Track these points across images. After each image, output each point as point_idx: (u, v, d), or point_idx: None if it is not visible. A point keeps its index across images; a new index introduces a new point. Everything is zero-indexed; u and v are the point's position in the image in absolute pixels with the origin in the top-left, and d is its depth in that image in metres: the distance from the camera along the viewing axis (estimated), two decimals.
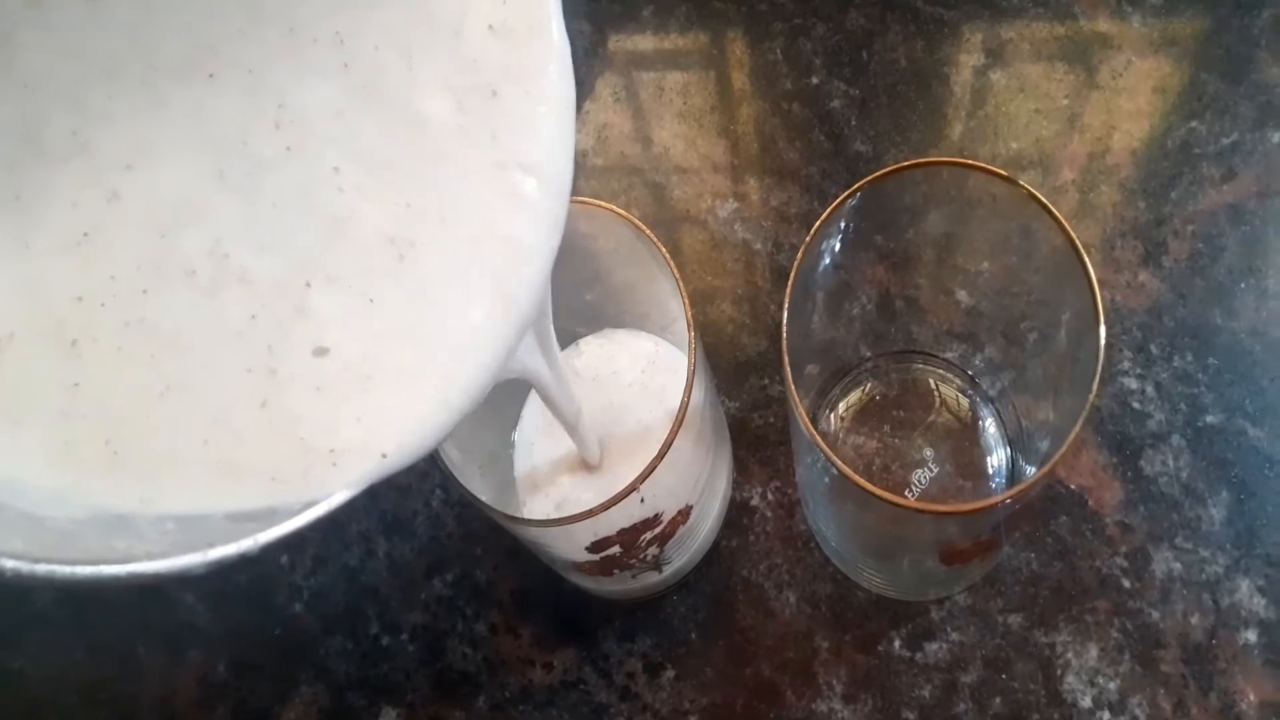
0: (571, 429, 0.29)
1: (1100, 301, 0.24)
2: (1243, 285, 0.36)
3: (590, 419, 0.30)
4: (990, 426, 0.35)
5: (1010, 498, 0.25)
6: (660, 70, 0.42)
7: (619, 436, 0.32)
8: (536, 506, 0.33)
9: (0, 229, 0.17)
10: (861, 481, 0.24)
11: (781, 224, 0.39)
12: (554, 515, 0.28)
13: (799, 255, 0.26)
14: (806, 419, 0.25)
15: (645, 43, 0.42)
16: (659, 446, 0.25)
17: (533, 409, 0.34)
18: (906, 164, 0.26)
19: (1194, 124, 0.38)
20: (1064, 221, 0.25)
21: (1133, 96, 0.39)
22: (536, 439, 0.34)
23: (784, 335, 0.25)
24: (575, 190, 0.41)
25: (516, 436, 0.34)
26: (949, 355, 0.35)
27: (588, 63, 0.42)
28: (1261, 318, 0.36)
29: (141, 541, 0.17)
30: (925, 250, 0.32)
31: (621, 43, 0.43)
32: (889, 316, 0.35)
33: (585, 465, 0.32)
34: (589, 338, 0.35)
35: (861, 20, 0.41)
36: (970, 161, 0.26)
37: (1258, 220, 0.37)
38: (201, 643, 0.37)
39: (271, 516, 0.17)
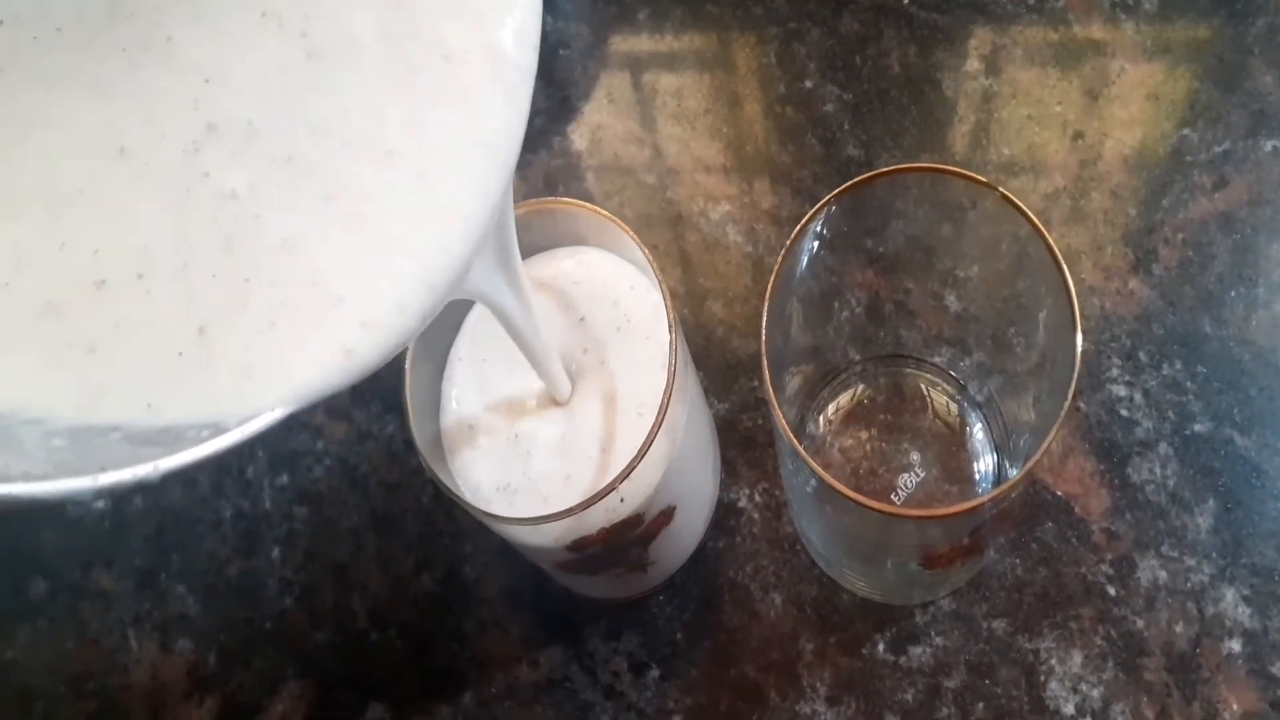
0: (538, 360, 0.27)
1: (1077, 307, 0.24)
2: (1233, 294, 0.36)
3: (558, 344, 0.28)
4: (978, 432, 0.35)
5: (987, 502, 0.25)
6: (655, 72, 0.42)
7: (589, 366, 0.29)
8: (479, 456, 0.29)
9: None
10: (838, 486, 0.24)
11: (773, 226, 0.39)
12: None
13: (778, 260, 0.26)
14: (784, 422, 0.25)
15: (641, 45, 0.43)
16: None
17: (468, 335, 0.31)
18: (884, 170, 0.26)
19: (1186, 131, 0.38)
20: (1040, 226, 0.25)
21: (1125, 104, 0.39)
22: (479, 372, 0.30)
23: (763, 338, 0.26)
24: (569, 191, 0.41)
25: (447, 373, 0.30)
26: (937, 360, 0.35)
27: (584, 64, 0.43)
28: (1251, 327, 0.36)
29: (22, 459, 0.16)
30: (914, 255, 0.32)
31: (617, 45, 0.43)
32: (878, 320, 0.35)
33: (551, 400, 0.29)
34: (557, 250, 0.31)
35: (855, 25, 0.41)
36: (947, 167, 0.26)
37: (1248, 229, 0.37)
38: (191, 635, 0.37)
39: (175, 441, 0.16)
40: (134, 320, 0.17)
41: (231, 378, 0.17)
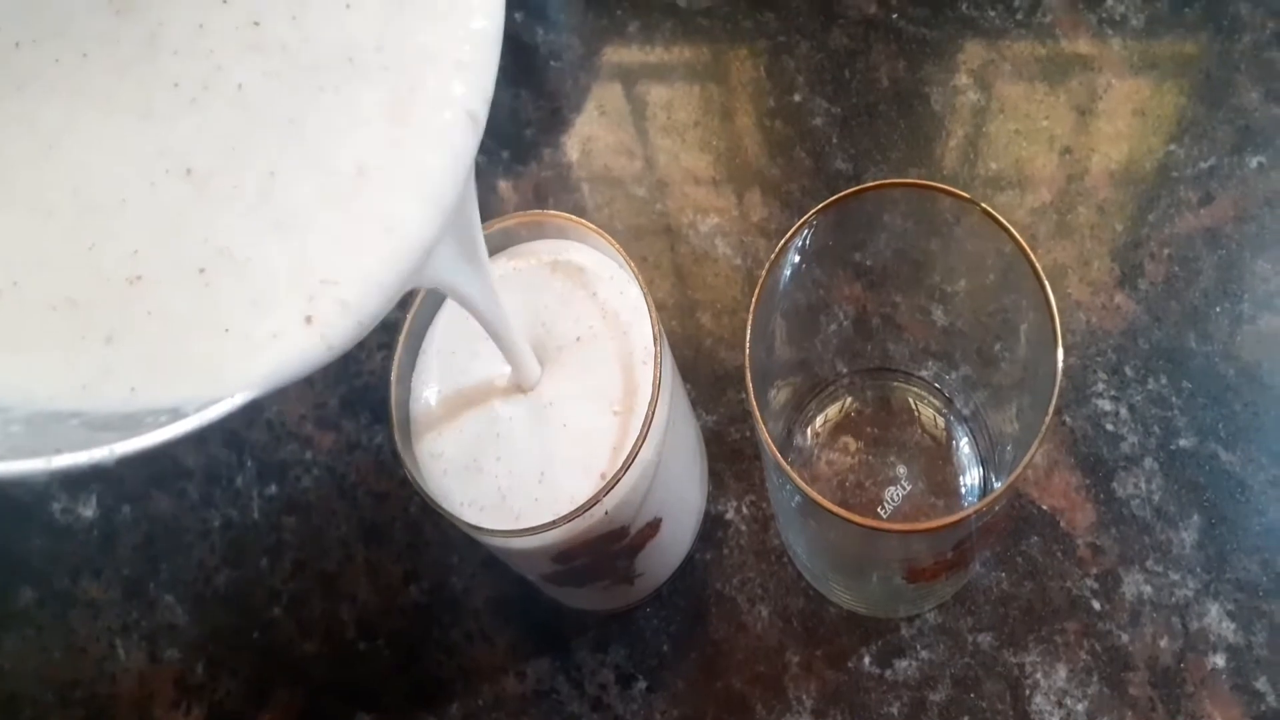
0: (505, 345, 0.27)
1: (1058, 322, 0.25)
2: (1218, 309, 0.36)
3: (531, 334, 0.28)
4: (964, 445, 0.35)
5: (969, 516, 0.25)
6: (646, 85, 0.42)
7: (563, 358, 0.29)
8: (448, 444, 0.29)
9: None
10: (821, 500, 0.24)
11: (762, 239, 0.39)
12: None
13: (763, 274, 0.26)
14: (768, 436, 0.25)
15: (631, 58, 0.43)
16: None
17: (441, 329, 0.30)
18: (868, 186, 0.26)
19: (1172, 147, 0.38)
20: (1022, 242, 0.25)
21: (1112, 119, 0.39)
22: (450, 376, 0.29)
23: (747, 352, 0.26)
24: (559, 202, 0.41)
25: (420, 372, 0.30)
26: (924, 373, 0.35)
27: (575, 76, 0.43)
28: (1236, 342, 0.36)
29: None
30: (901, 268, 0.32)
31: (609, 57, 0.43)
32: (865, 334, 0.35)
33: (516, 388, 0.29)
34: (535, 242, 0.31)
35: (844, 39, 0.41)
36: (930, 183, 0.26)
37: (1234, 244, 0.37)
38: (179, 644, 0.37)
39: (134, 427, 0.17)
40: (143, 312, 0.18)
41: (205, 361, 0.18)
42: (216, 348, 0.18)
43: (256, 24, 0.20)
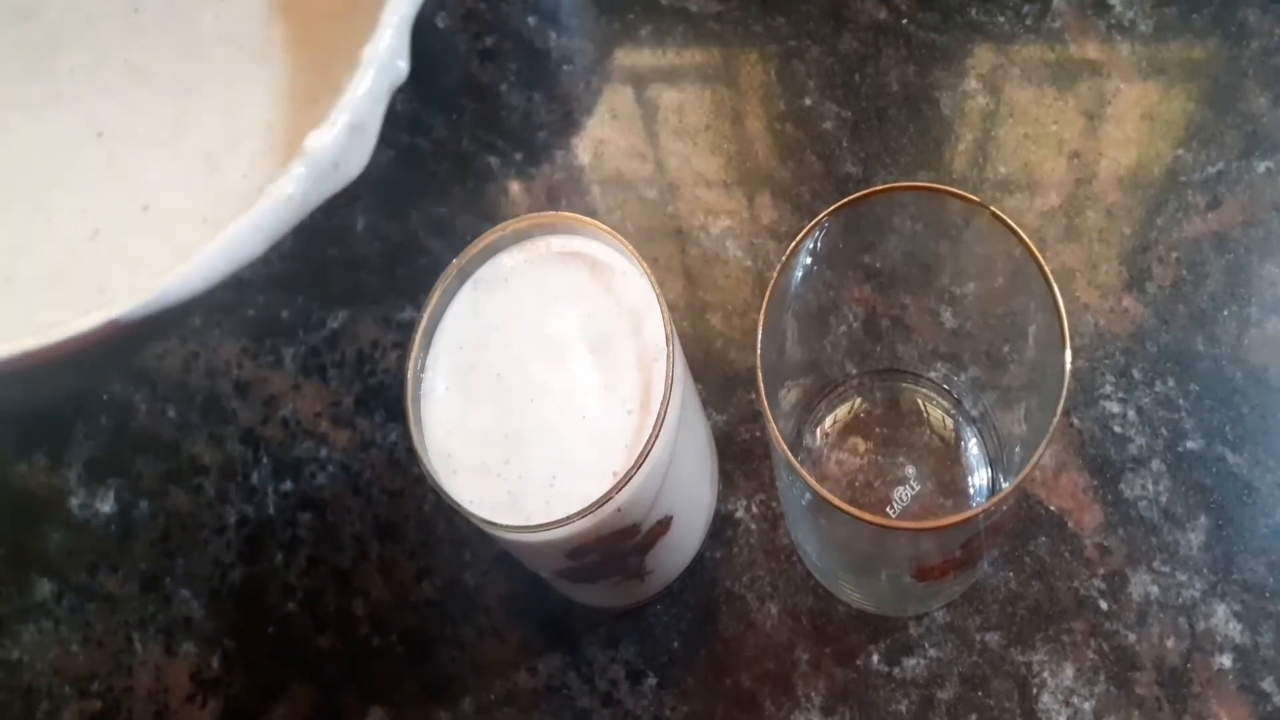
0: None
1: (1066, 324, 0.25)
2: (1225, 313, 0.37)
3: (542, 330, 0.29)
4: (973, 446, 0.35)
5: (978, 514, 0.25)
6: (657, 88, 0.43)
7: (577, 355, 0.29)
8: (456, 443, 0.29)
9: None
10: (831, 498, 0.25)
11: (773, 241, 0.40)
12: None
13: (774, 276, 0.26)
14: (779, 435, 0.26)
15: (643, 62, 0.43)
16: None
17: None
18: (877, 189, 0.27)
19: (1180, 152, 0.39)
20: (1031, 245, 0.25)
21: (1120, 123, 0.39)
22: (463, 373, 0.29)
23: (758, 352, 0.26)
24: (571, 205, 0.42)
25: (430, 370, 0.29)
26: (933, 375, 0.36)
27: (587, 79, 0.43)
28: (1243, 345, 0.36)
29: None
30: (911, 271, 0.33)
31: (620, 60, 0.43)
32: (875, 335, 0.36)
33: (542, 396, 0.28)
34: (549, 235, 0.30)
35: (854, 44, 0.42)
36: (939, 186, 0.26)
37: (1241, 248, 0.37)
38: (195, 638, 0.38)
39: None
40: (114, 258, 0.23)
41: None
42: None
43: (136, 10, 0.24)
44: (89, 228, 0.22)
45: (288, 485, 0.39)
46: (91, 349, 0.19)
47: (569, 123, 0.43)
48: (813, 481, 0.25)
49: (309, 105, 0.23)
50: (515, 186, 0.42)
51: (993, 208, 0.26)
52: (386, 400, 0.40)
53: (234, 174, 0.23)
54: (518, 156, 0.42)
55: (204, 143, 0.23)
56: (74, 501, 0.40)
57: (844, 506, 0.25)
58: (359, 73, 0.21)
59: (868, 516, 0.25)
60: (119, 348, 0.23)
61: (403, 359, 0.29)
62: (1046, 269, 0.25)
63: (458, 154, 0.43)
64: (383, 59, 0.22)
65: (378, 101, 0.23)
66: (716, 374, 0.38)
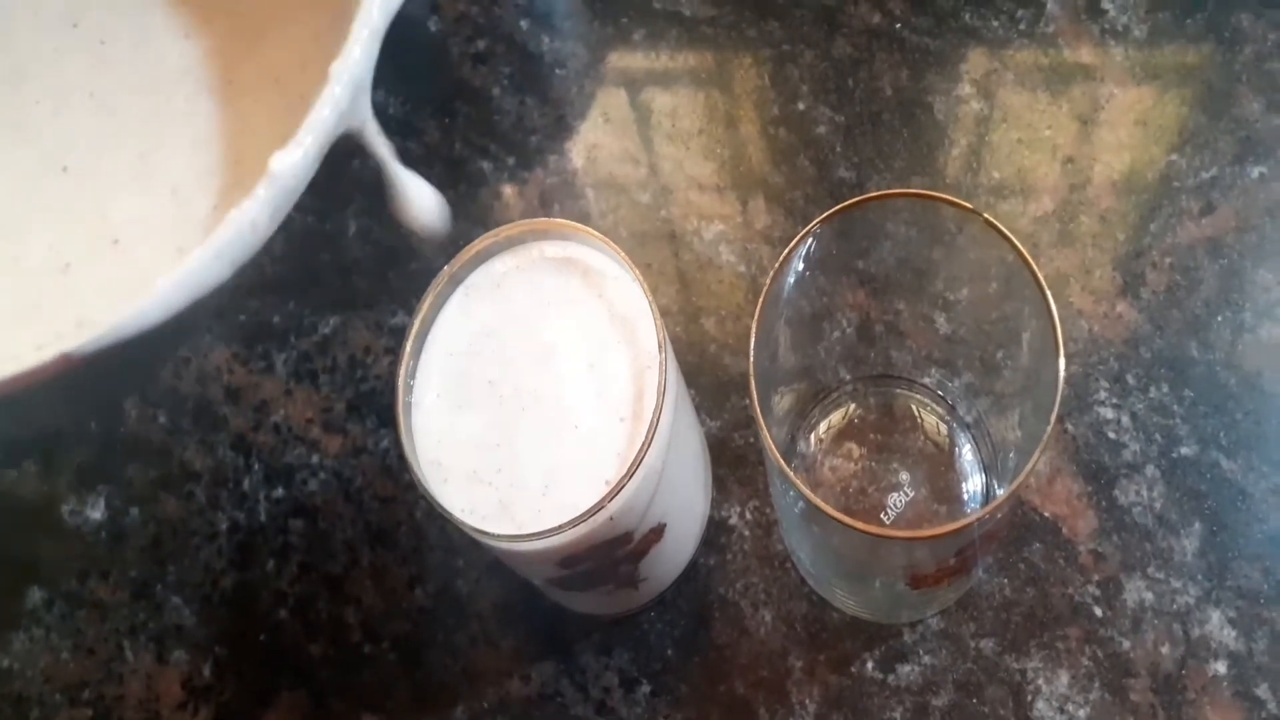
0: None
1: (1059, 331, 0.25)
2: (1219, 318, 0.37)
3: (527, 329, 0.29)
4: (966, 452, 0.35)
5: (972, 523, 0.25)
6: (651, 92, 0.43)
7: (568, 363, 0.29)
8: (446, 452, 0.29)
9: None
10: (824, 505, 0.25)
11: (766, 246, 0.40)
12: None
13: (767, 282, 0.26)
14: (772, 443, 0.25)
15: (636, 66, 0.43)
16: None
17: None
18: (870, 196, 0.27)
19: (1174, 157, 0.39)
20: (1023, 251, 0.25)
21: (1114, 129, 0.39)
22: (455, 380, 0.29)
23: (750, 359, 0.26)
24: (564, 209, 0.41)
25: (422, 375, 0.30)
26: (927, 380, 0.36)
27: (580, 84, 0.43)
28: (1237, 351, 0.36)
29: None
30: (905, 276, 0.33)
31: (613, 65, 0.43)
32: (869, 341, 0.35)
33: (533, 403, 0.28)
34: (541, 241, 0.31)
35: (848, 48, 0.42)
36: (932, 193, 0.26)
37: (1235, 254, 0.37)
38: (186, 646, 0.38)
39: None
40: (89, 292, 0.23)
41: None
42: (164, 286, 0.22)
43: (102, 43, 0.25)
44: (60, 262, 0.22)
45: (279, 491, 0.39)
46: (47, 382, 0.19)
47: (562, 127, 0.43)
48: (806, 490, 0.25)
49: (276, 144, 0.23)
50: (508, 191, 0.42)
51: (986, 214, 0.26)
52: (378, 406, 0.39)
53: (203, 206, 0.23)
54: (510, 161, 0.42)
55: (171, 176, 0.23)
56: (64, 508, 0.40)
57: (837, 515, 0.24)
58: (325, 92, 0.21)
59: (861, 525, 0.25)
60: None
61: (394, 365, 0.29)
62: (1040, 276, 0.25)
63: (450, 158, 0.42)
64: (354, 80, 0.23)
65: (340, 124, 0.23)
66: (710, 379, 0.38)
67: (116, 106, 0.24)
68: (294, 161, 0.20)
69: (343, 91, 0.21)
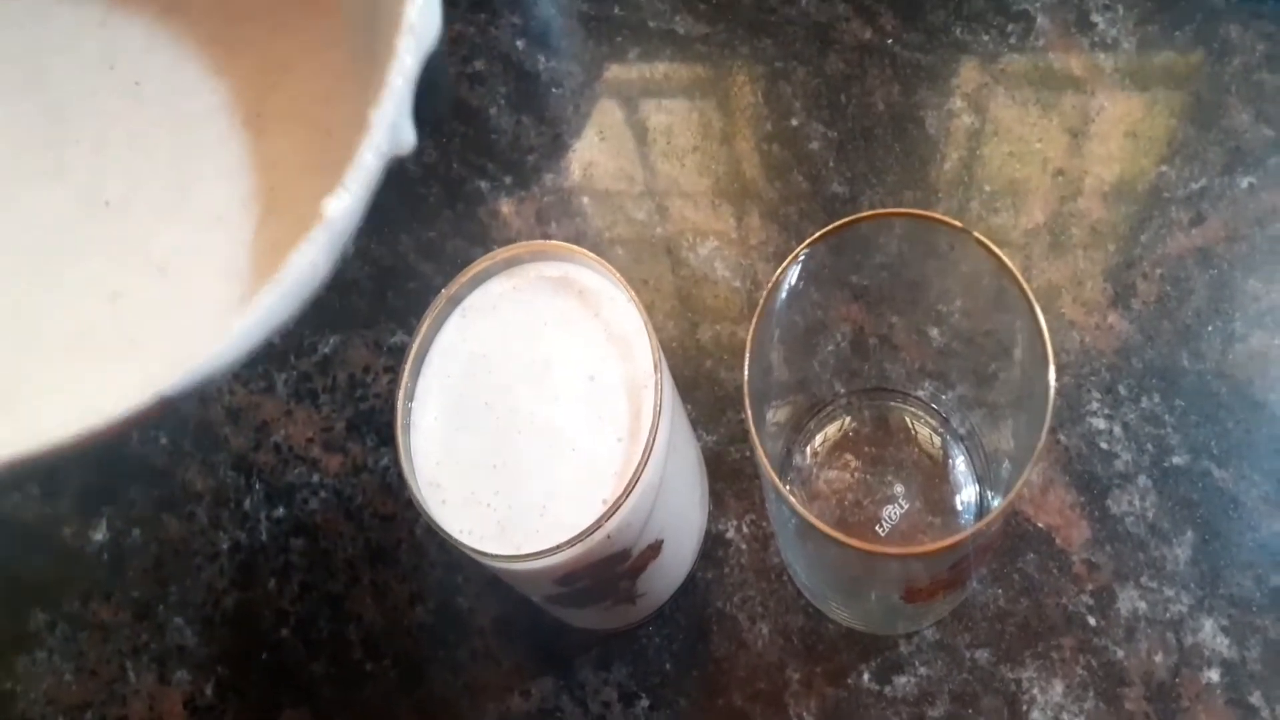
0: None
1: (1049, 343, 0.25)
2: (1210, 328, 0.37)
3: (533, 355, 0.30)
4: (960, 464, 0.35)
5: (965, 539, 0.25)
6: (645, 110, 0.43)
7: (567, 383, 0.29)
8: (444, 474, 0.29)
9: None
10: (817, 522, 0.25)
11: (761, 261, 0.40)
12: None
13: (762, 298, 0.27)
14: (766, 459, 0.26)
15: (631, 84, 0.44)
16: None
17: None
18: (863, 215, 0.27)
19: (1164, 168, 0.39)
20: (1012, 266, 0.26)
21: (1104, 141, 0.40)
22: (454, 400, 0.29)
23: (745, 375, 0.26)
24: (560, 226, 0.42)
25: (421, 395, 0.30)
26: (920, 393, 0.36)
27: (575, 102, 0.44)
28: (1228, 360, 0.36)
29: None
30: (898, 290, 0.33)
31: (608, 83, 0.44)
32: (863, 354, 0.36)
33: (532, 423, 0.29)
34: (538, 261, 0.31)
35: (840, 65, 0.42)
36: (923, 212, 0.27)
37: (1225, 264, 0.38)
38: (188, 666, 0.38)
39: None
40: (138, 318, 0.24)
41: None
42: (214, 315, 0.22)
43: (137, 83, 0.25)
44: (108, 291, 0.23)
45: (280, 511, 0.39)
46: (138, 425, 0.20)
47: (558, 145, 0.43)
48: (800, 508, 0.25)
49: (309, 174, 0.24)
50: (505, 209, 0.42)
51: (976, 233, 0.26)
52: (378, 425, 0.40)
53: (246, 232, 0.24)
54: (507, 179, 0.43)
55: (211, 206, 0.24)
56: (66, 530, 0.40)
57: (831, 532, 0.25)
58: (365, 140, 0.21)
59: (855, 542, 0.25)
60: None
61: (393, 384, 0.29)
62: (1029, 292, 0.26)
63: (447, 178, 0.43)
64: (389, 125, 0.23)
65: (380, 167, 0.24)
66: (706, 394, 0.39)
67: (153, 142, 0.25)
68: (345, 207, 0.20)
69: (382, 136, 0.22)
